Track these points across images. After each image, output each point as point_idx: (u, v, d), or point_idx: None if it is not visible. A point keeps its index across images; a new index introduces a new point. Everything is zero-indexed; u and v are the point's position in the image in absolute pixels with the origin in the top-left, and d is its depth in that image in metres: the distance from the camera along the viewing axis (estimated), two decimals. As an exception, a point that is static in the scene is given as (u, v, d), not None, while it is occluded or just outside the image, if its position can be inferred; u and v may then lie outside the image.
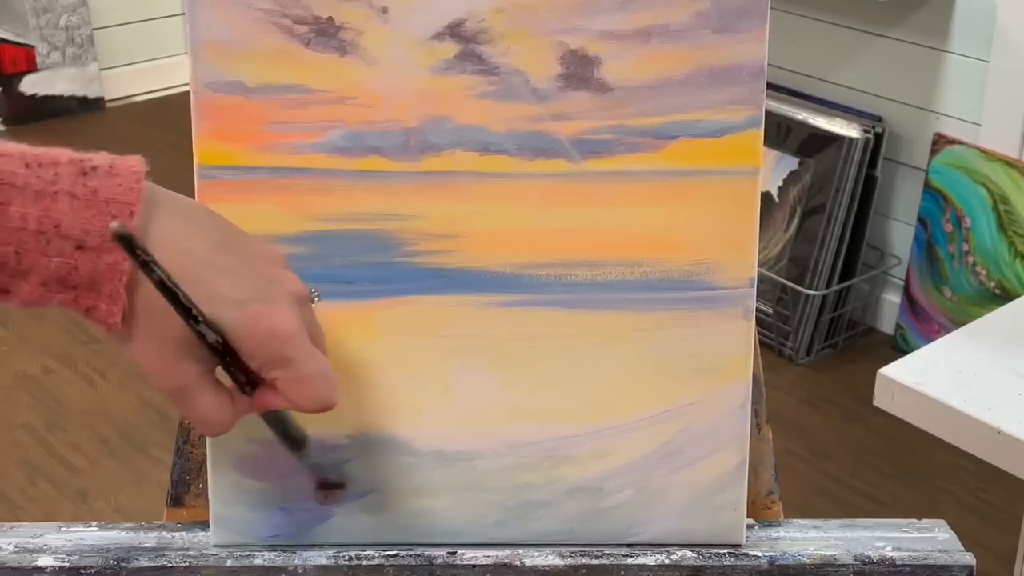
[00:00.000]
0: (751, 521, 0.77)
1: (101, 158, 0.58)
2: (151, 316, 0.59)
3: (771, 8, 0.70)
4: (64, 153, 0.58)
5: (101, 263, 0.57)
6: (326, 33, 0.69)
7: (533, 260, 0.72)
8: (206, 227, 0.61)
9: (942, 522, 0.77)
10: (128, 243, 0.56)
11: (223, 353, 0.60)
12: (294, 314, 0.61)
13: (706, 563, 0.74)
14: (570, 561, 0.73)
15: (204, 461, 0.75)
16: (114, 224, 0.55)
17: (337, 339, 0.72)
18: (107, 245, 0.57)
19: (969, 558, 0.74)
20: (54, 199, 0.57)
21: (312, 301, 0.64)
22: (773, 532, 0.76)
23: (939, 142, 2.57)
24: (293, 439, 0.69)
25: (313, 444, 0.71)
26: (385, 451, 0.73)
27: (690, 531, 0.75)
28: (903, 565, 0.73)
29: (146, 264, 0.56)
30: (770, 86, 2.38)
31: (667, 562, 0.74)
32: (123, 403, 2.57)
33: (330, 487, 0.74)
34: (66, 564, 0.72)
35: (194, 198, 0.70)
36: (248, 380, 0.62)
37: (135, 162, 0.59)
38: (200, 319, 0.58)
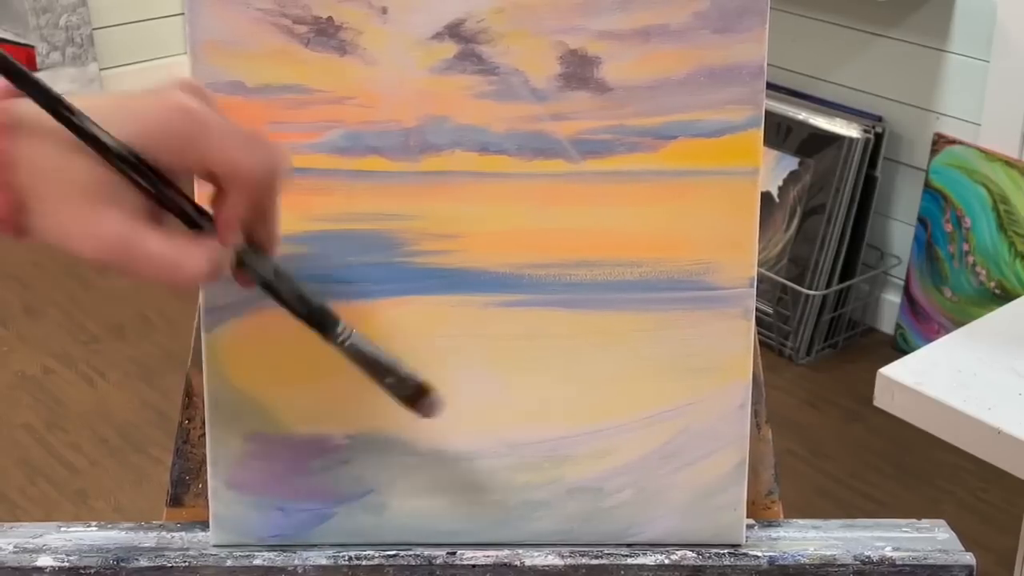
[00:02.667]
0: (751, 521, 0.77)
1: None
2: (46, 178, 0.55)
3: (771, 8, 0.70)
4: None
5: None
6: (326, 33, 0.69)
7: (533, 260, 0.72)
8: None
9: (942, 522, 0.77)
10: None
11: (142, 172, 0.56)
12: (192, 95, 0.58)
13: (706, 563, 0.74)
14: (570, 561, 0.73)
15: (204, 461, 0.75)
16: None
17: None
18: None
19: (969, 558, 0.74)
20: None
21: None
22: (773, 532, 0.76)
23: (939, 142, 2.57)
24: (315, 312, 0.64)
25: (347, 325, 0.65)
26: (385, 451, 0.73)
27: (690, 531, 0.75)
28: (903, 565, 0.73)
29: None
30: (770, 86, 2.38)
31: (667, 562, 0.73)
32: (123, 403, 2.57)
33: (419, 396, 0.68)
34: (66, 564, 0.72)
35: (194, 198, 0.70)
36: (196, 209, 0.59)
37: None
38: (105, 138, 0.55)
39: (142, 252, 0.56)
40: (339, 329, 0.65)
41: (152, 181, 0.57)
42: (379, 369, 0.67)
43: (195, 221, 0.59)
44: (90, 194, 0.56)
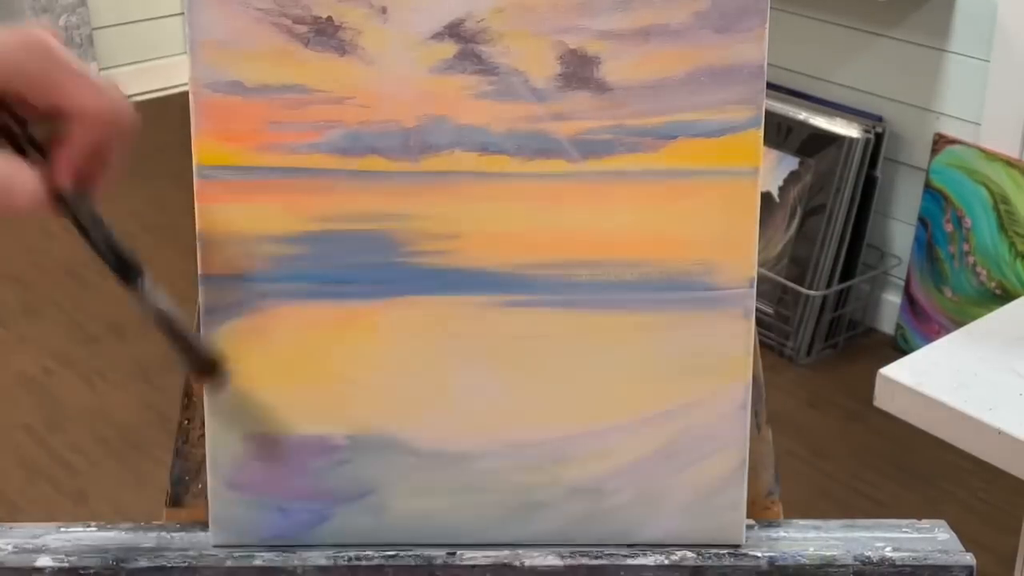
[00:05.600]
0: (751, 521, 0.77)
1: None
2: None
3: (771, 8, 0.70)
4: None
5: None
6: (325, 33, 0.69)
7: (533, 260, 0.72)
8: None
9: (942, 522, 0.77)
10: None
11: None
12: (51, 36, 0.59)
13: (706, 563, 0.74)
14: (570, 561, 0.73)
15: (203, 461, 0.75)
16: None
17: (337, 339, 0.72)
18: None
19: (969, 558, 0.74)
20: None
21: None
22: (773, 532, 0.76)
23: (939, 142, 2.57)
24: (122, 260, 0.64)
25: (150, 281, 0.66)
26: (385, 451, 0.73)
27: (690, 531, 0.75)
28: (903, 565, 0.73)
29: None
30: (770, 86, 2.38)
31: (667, 562, 0.73)
32: (123, 403, 2.57)
33: (209, 369, 0.70)
34: (65, 565, 0.72)
35: (193, 198, 0.70)
36: (30, 140, 0.60)
37: None
38: None
39: None
40: (142, 281, 0.66)
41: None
42: (175, 332, 0.67)
43: (27, 150, 0.60)
44: None
